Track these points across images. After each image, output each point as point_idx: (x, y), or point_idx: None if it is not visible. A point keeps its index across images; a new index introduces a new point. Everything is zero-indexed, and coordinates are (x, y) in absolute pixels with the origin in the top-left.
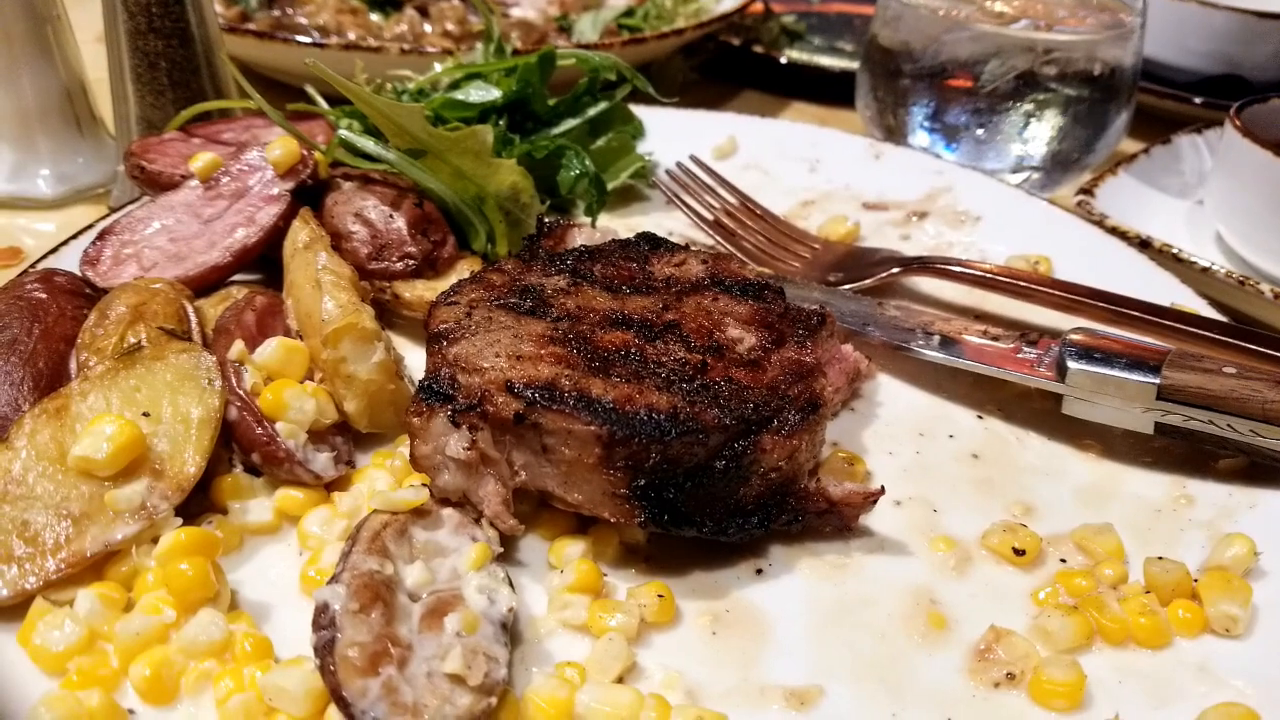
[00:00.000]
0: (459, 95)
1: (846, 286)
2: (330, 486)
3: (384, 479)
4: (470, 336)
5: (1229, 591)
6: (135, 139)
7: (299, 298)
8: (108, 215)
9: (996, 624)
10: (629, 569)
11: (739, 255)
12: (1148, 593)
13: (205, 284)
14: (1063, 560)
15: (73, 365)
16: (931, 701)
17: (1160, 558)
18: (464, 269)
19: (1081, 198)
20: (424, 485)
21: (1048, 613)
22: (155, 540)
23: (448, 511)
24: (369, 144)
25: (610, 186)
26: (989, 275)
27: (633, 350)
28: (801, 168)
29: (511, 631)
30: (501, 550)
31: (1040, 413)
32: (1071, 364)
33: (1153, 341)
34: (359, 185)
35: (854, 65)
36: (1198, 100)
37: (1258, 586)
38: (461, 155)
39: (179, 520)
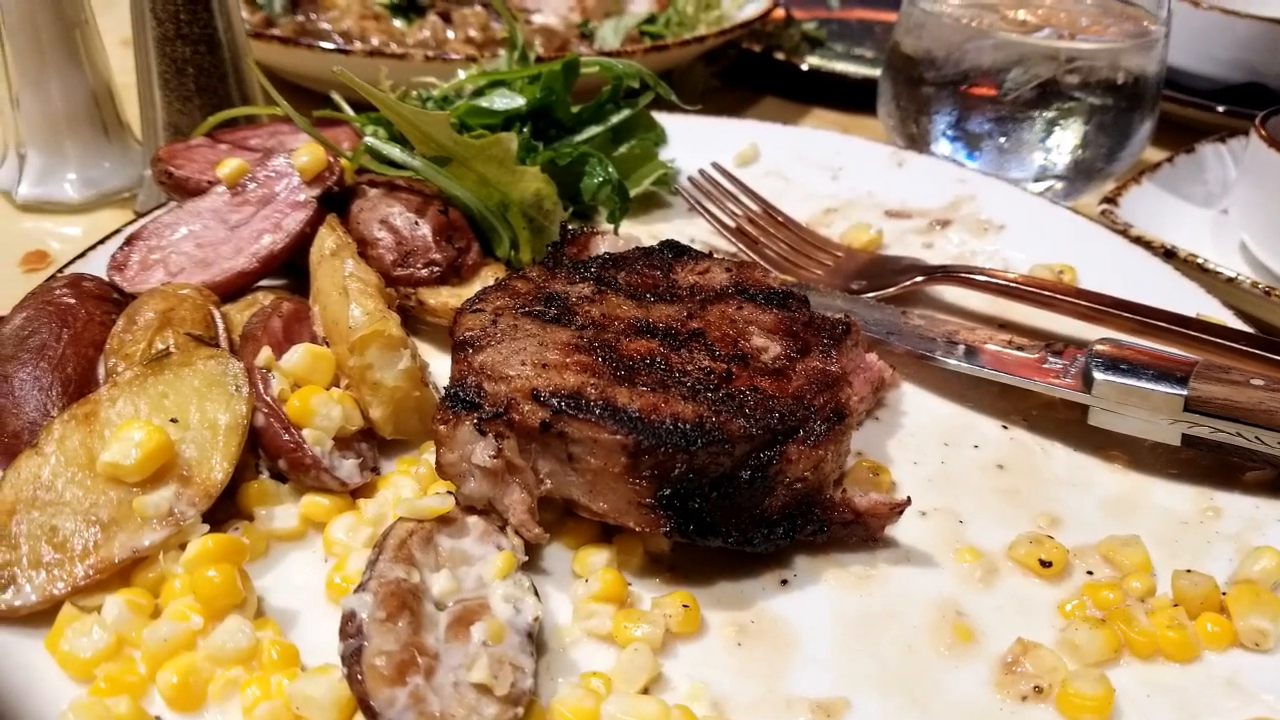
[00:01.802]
0: (483, 102)
1: (870, 295)
2: (356, 493)
3: (409, 486)
4: (496, 344)
5: (1258, 605)
6: (162, 144)
7: (326, 304)
8: (134, 220)
9: (1023, 636)
10: (654, 579)
11: (762, 263)
12: (1176, 606)
13: (232, 290)
14: (1090, 572)
15: (101, 371)
16: (958, 714)
17: (1188, 570)
18: (488, 276)
19: (1105, 207)
20: (449, 493)
21: (1075, 625)
22: (183, 546)
23: (473, 519)
24: (395, 151)
25: (633, 193)
26: (1013, 284)
27: (658, 359)
28: (824, 175)
29: (537, 641)
30: (526, 559)
31: (1066, 423)
32: (1098, 375)
33: (1179, 353)
34: (384, 192)
35: (875, 72)
36: (1221, 109)
37: None
38: (486, 162)
39: (206, 527)
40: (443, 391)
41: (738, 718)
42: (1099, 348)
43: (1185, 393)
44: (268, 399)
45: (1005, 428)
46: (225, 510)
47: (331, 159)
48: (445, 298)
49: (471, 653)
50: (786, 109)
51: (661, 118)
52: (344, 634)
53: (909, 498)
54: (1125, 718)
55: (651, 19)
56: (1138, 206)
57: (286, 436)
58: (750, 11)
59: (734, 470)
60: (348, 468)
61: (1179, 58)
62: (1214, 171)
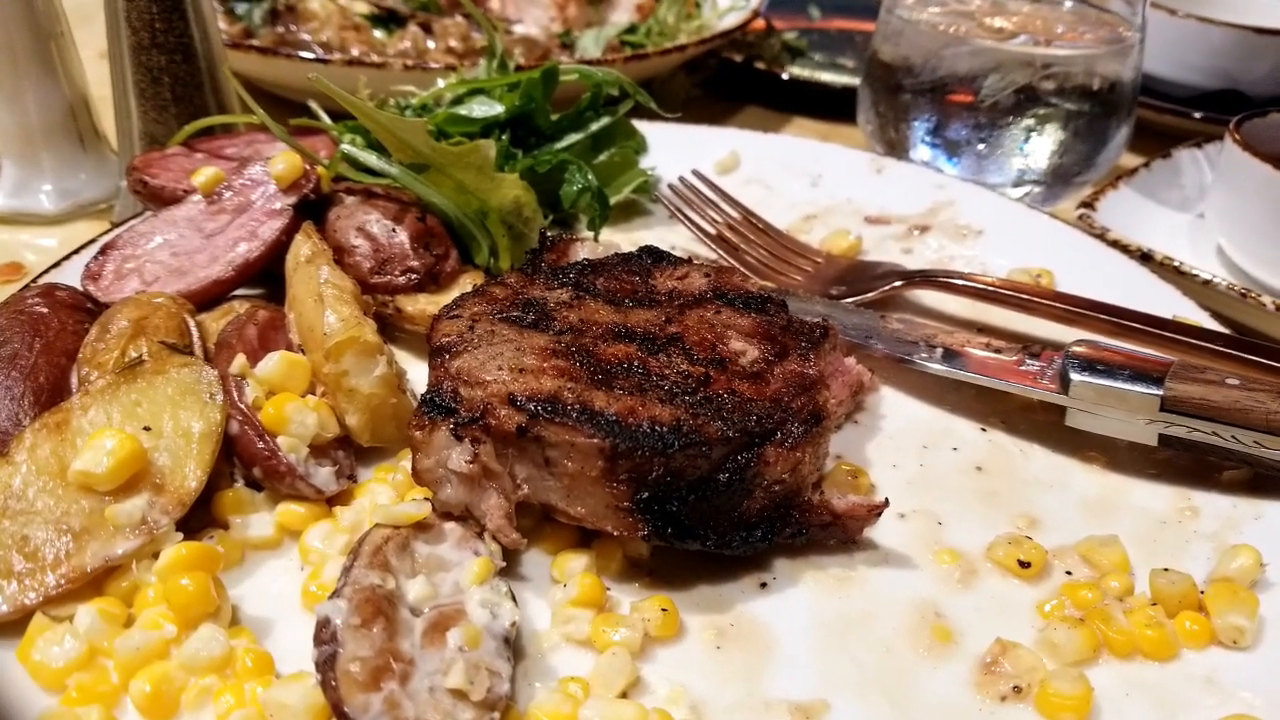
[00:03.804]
0: (462, 110)
1: (849, 300)
2: (332, 501)
3: (386, 493)
4: (472, 350)
5: (1235, 603)
6: (138, 154)
7: (301, 312)
8: (110, 230)
9: (1002, 637)
10: (632, 583)
11: (741, 269)
12: (1154, 605)
13: (207, 298)
14: (1068, 572)
15: (74, 380)
16: (937, 715)
17: (1166, 569)
18: (467, 283)
19: (1083, 211)
20: (426, 499)
21: (1054, 625)
22: (156, 555)
23: (450, 525)
24: (372, 158)
25: (613, 201)
26: (991, 288)
27: (635, 363)
28: (803, 182)
29: (514, 646)
30: (504, 564)
31: (1044, 425)
32: (1074, 376)
33: (1155, 354)
34: (362, 199)
35: (855, 81)
36: (1198, 115)
37: (1264, 598)
38: (464, 169)
39: (180, 535)
40: (419, 398)
41: None
42: (1075, 349)
43: (1161, 393)
44: (242, 406)
45: (984, 430)
46: (200, 519)
47: (308, 167)
48: (423, 305)
49: (447, 658)
50: (767, 118)
51: (642, 126)
52: (318, 640)
53: (887, 499)
54: (1104, 717)
55: (633, 29)
56: (1115, 211)
57: (261, 444)
58: (731, 21)
59: (711, 473)
60: (323, 475)
61: (1156, 65)
62: (1191, 176)
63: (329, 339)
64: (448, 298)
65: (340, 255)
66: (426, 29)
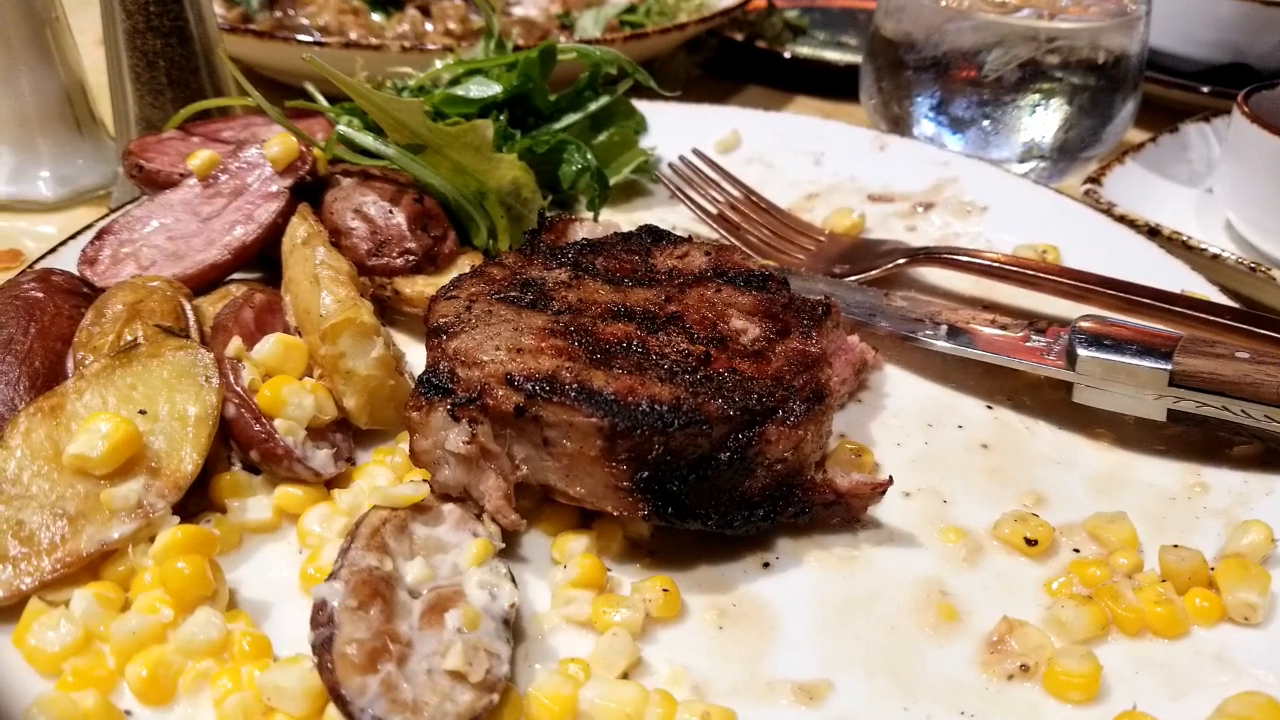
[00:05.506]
0: (459, 91)
1: (852, 278)
2: (330, 484)
3: (384, 476)
4: (470, 330)
5: (1247, 579)
6: (134, 138)
7: (297, 293)
8: (106, 215)
9: (1009, 615)
10: (633, 563)
11: (743, 249)
12: (1164, 581)
13: (204, 282)
14: (1076, 550)
15: (69, 364)
16: (943, 694)
17: (1176, 546)
18: (465, 264)
19: (1089, 186)
20: (424, 481)
21: (1061, 603)
22: (152, 539)
23: (449, 507)
24: (368, 139)
25: (612, 181)
26: (996, 264)
27: (635, 342)
28: (806, 161)
29: (514, 628)
30: (503, 546)
31: (1050, 402)
32: (1081, 351)
33: (1163, 328)
34: (358, 181)
35: (858, 60)
36: (1205, 89)
37: (1276, 574)
38: (462, 150)
39: (176, 519)
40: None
41: (719, 701)
42: (1082, 324)
43: (1170, 367)
44: (239, 389)
45: (989, 408)
46: (198, 503)
47: (304, 149)
48: (421, 287)
49: (446, 640)
50: (769, 97)
51: (642, 105)
52: (315, 623)
53: (891, 477)
54: (1113, 694)
55: (632, 9)
56: (1122, 187)
57: (258, 427)
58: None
59: (712, 452)
60: (321, 458)
61: (1163, 40)
62: (1198, 151)
63: (325, 320)
64: (446, 280)
65: (337, 238)
66: (425, 12)
